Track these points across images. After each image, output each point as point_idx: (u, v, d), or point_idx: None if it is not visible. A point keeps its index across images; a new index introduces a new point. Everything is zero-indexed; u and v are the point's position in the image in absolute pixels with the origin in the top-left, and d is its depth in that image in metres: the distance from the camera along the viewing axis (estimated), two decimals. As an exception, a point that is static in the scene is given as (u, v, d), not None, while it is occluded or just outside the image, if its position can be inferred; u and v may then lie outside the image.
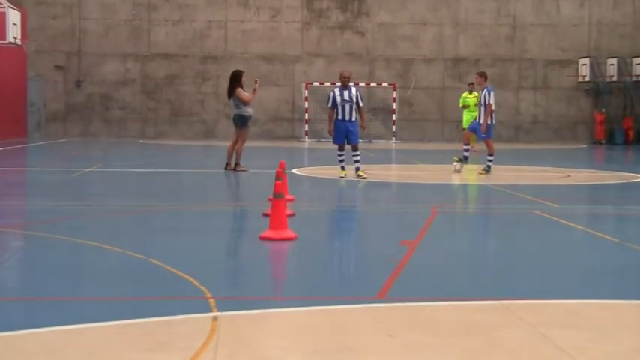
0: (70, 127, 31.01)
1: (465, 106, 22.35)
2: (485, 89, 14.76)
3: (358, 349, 3.85)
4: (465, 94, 24.11)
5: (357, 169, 13.03)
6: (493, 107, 14.84)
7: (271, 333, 4.23)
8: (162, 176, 14.82)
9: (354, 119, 13.19)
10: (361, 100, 13.21)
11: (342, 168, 13.03)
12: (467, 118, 23.27)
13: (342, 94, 13.04)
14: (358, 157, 13.09)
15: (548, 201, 10.63)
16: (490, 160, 14.79)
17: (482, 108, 14.78)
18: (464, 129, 24.96)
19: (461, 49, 31.09)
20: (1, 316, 4.56)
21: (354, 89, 13.09)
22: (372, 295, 5.07)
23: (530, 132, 32.24)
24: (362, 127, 13.37)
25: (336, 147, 13.79)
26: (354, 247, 7.47)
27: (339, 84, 13.47)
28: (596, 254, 7.03)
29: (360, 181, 12.71)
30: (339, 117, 13.02)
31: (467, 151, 14.61)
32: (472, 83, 25.29)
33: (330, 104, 13.10)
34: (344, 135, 13.16)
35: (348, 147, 13.92)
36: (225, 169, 14.52)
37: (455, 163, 14.78)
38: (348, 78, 13.13)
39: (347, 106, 12.97)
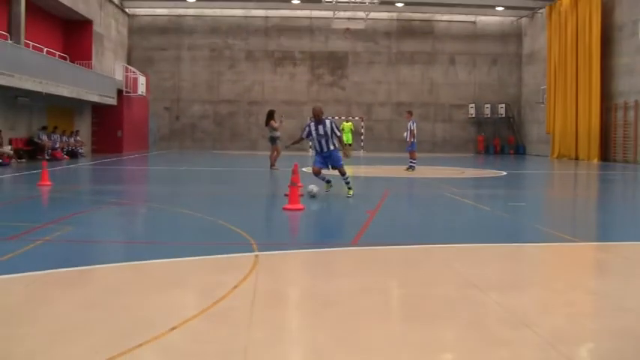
0: (172, 144, 36.79)
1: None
2: (411, 121, 17.32)
3: (342, 274, 4.88)
4: (343, 124, 28.07)
5: None
6: (415, 132, 17.17)
7: (290, 264, 5.16)
8: (225, 173, 16.49)
9: None
10: None
11: None
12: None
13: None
14: None
15: (452, 187, 11.88)
16: (413, 162, 17.39)
17: (408, 132, 17.10)
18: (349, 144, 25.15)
19: (401, 97, 37.25)
20: (139, 251, 5.62)
21: None
22: (348, 242, 6.09)
23: (441, 146, 37.42)
24: None
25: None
26: (338, 214, 8.69)
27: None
28: (477, 216, 8.39)
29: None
30: None
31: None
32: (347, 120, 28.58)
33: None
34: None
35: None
36: (270, 168, 17.21)
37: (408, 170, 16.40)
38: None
39: None
